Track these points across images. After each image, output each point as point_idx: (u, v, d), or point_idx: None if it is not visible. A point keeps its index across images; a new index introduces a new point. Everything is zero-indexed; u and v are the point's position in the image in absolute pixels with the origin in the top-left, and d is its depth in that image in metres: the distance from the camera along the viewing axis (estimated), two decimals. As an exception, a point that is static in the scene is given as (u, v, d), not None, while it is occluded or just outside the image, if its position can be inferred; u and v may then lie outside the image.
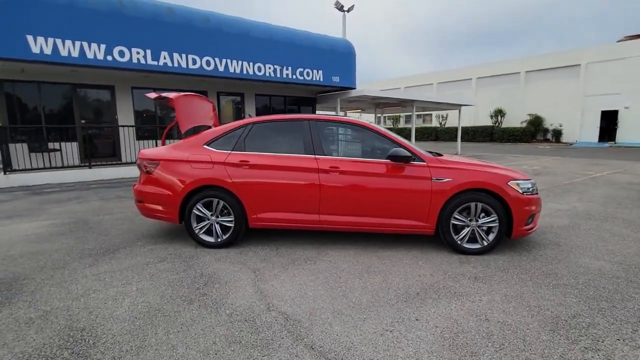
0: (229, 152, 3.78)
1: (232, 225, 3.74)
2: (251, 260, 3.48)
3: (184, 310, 2.53)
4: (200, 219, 3.82)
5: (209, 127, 4.51)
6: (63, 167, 8.91)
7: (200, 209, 3.75)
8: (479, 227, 3.55)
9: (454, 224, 3.56)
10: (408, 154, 3.56)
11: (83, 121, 10.14)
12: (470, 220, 3.55)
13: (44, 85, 9.46)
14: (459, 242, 3.58)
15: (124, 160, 10.27)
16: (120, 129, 10.09)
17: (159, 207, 3.84)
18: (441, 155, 3.93)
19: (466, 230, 3.57)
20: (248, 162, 3.70)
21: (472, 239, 3.59)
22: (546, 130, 26.89)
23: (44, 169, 8.65)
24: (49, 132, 9.45)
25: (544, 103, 26.93)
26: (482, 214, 3.54)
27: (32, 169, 8.45)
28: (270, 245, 3.88)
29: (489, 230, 3.56)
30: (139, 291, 2.81)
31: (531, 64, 28.02)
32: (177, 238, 4.14)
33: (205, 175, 3.70)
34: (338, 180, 3.61)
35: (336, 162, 3.66)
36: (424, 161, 3.62)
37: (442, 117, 33.01)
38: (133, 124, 10.73)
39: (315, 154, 3.71)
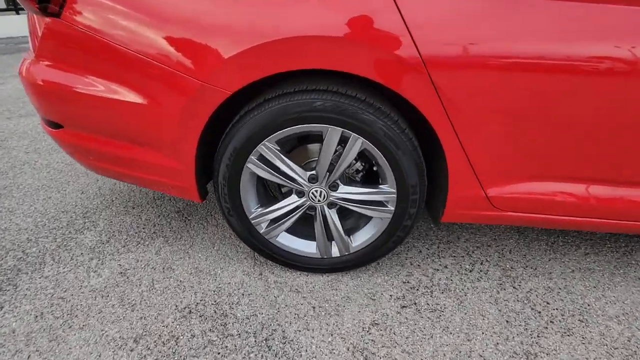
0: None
1: (390, 214, 1.08)
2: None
3: None
4: (270, 193, 1.18)
5: None
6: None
7: (275, 156, 1.01)
8: None
9: None
10: None
11: None
12: None
13: None
14: None
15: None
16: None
17: (120, 153, 1.07)
18: None
19: None
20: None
21: None
22: None
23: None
24: None
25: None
26: None
27: None
28: (473, 268, 1.32)
29: None
30: None
31: None
32: (193, 216, 1.51)
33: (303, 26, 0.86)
34: None
35: None
36: None
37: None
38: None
39: None
